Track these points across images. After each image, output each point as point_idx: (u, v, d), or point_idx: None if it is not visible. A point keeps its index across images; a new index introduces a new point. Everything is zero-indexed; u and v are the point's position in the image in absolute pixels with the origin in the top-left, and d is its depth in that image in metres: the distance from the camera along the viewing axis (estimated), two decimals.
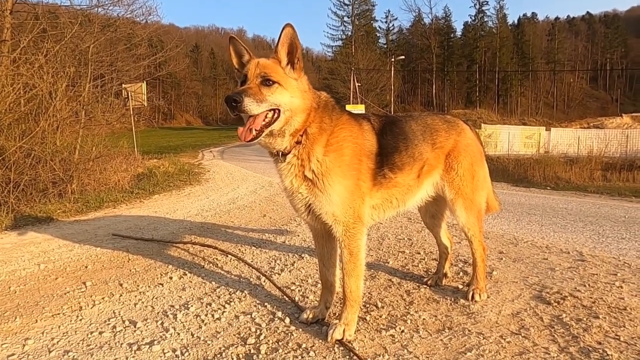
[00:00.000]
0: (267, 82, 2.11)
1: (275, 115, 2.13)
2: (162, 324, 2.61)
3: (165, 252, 4.36)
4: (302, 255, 4.11)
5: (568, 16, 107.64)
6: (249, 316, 2.68)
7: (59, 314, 2.83)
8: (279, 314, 2.70)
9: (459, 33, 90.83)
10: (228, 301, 2.95)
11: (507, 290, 3.01)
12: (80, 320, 2.72)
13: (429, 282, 3.15)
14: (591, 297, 2.83)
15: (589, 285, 3.07)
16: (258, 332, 2.47)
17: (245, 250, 4.38)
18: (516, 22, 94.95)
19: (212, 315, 2.71)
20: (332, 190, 2.23)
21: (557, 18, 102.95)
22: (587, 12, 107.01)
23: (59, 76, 9.93)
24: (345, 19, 79.82)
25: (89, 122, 11.47)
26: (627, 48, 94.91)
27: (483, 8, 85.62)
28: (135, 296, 3.13)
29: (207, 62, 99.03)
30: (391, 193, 2.50)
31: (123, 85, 15.71)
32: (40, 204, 7.72)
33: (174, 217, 6.47)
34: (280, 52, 2.20)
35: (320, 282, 3.06)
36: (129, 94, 16.43)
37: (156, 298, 3.08)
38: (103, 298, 3.10)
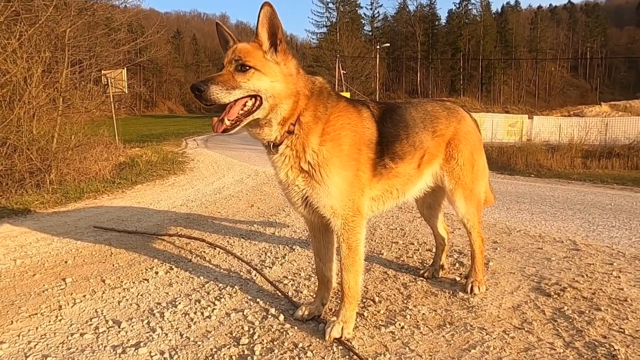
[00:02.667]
0: (242, 67, 1.96)
1: (257, 103, 1.98)
2: (148, 323, 2.46)
3: (150, 245, 4.19)
4: (293, 247, 3.99)
5: (550, 5, 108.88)
6: (241, 313, 2.56)
7: (36, 314, 2.65)
8: (273, 310, 2.58)
9: (443, 21, 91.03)
10: (218, 297, 2.82)
11: (506, 282, 2.94)
12: (60, 320, 2.55)
13: (425, 275, 3.07)
14: (590, 288, 2.78)
15: (586, 275, 3.03)
16: (251, 330, 2.34)
17: (234, 242, 4.23)
18: (500, 10, 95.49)
19: (202, 313, 2.57)
20: (330, 182, 2.11)
21: (539, 7, 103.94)
22: (569, 1, 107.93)
23: (34, 61, 9.49)
24: (330, 5, 79.07)
25: (67, 110, 11.03)
26: (606, 37, 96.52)
27: None
28: (119, 293, 2.96)
29: (190, 48, 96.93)
30: (392, 184, 2.38)
31: (102, 72, 15.18)
32: (17, 195, 7.41)
33: (158, 207, 6.26)
34: (261, 34, 2.03)
35: (315, 276, 2.95)
36: (109, 81, 15.92)
37: (141, 295, 2.92)
38: (84, 296, 2.92)
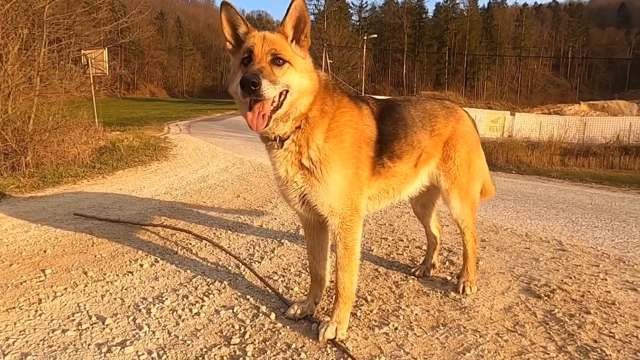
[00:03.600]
0: (278, 60, 1.89)
1: (282, 98, 1.91)
2: (134, 320, 2.38)
3: (134, 236, 4.06)
4: (282, 241, 3.93)
5: (535, 3, 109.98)
6: (231, 311, 2.49)
7: (14, 308, 2.53)
8: (263, 308, 2.53)
9: (430, 14, 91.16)
10: (206, 293, 2.74)
11: (496, 282, 2.96)
12: (40, 315, 2.44)
13: (417, 273, 3.06)
14: (579, 291, 2.82)
15: (574, 277, 3.07)
16: (242, 329, 2.28)
17: (221, 234, 4.14)
18: (486, 6, 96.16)
19: (190, 310, 2.50)
20: (330, 180, 2.05)
21: (525, 4, 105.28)
22: None
23: (10, 38, 9.07)
24: None
25: (45, 90, 10.61)
26: (588, 37, 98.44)
27: None
28: (102, 287, 2.86)
29: (173, 30, 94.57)
30: (388, 183, 2.35)
31: (82, 52, 14.68)
32: None
33: (140, 195, 6.09)
34: (287, 25, 1.97)
35: (305, 272, 2.91)
36: (89, 61, 15.41)
37: (126, 289, 2.82)
38: (65, 289, 2.81)
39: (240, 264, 3.26)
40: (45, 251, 3.59)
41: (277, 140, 2.04)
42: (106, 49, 16.73)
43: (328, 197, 2.08)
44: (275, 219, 4.79)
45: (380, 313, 2.49)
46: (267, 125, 1.87)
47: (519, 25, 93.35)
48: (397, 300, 2.66)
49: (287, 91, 1.91)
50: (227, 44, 2.04)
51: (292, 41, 1.99)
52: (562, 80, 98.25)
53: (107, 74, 17.77)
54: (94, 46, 15.16)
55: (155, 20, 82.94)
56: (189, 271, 3.14)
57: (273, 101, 1.88)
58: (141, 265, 3.24)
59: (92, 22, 15.18)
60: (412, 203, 3.10)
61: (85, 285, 2.87)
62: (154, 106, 48.64)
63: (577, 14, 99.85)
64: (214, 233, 4.17)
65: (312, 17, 75.34)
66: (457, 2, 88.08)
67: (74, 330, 2.26)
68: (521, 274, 3.13)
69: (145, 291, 2.79)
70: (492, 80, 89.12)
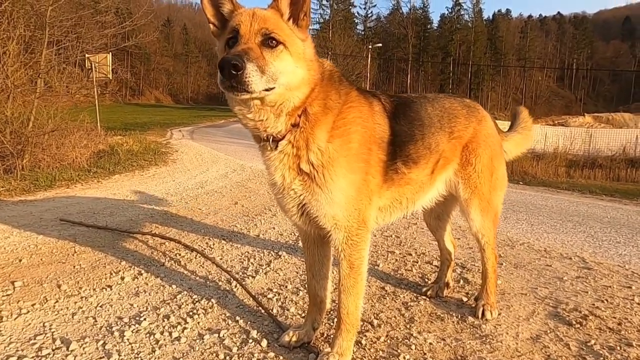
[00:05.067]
0: (270, 41, 1.54)
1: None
2: (103, 345, 2.06)
3: (120, 244, 3.75)
4: (279, 252, 3.61)
5: (540, 15, 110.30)
6: (217, 336, 2.17)
7: None
8: (254, 333, 2.20)
9: (435, 25, 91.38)
10: (191, 313, 2.42)
11: (518, 305, 2.62)
12: None
13: (428, 293, 2.72)
14: (614, 317, 2.48)
15: (606, 301, 2.72)
16: (227, 359, 1.96)
17: (214, 244, 3.83)
18: (491, 17, 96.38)
19: (170, 334, 2.17)
20: (334, 187, 1.72)
21: (530, 16, 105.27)
22: (558, 12, 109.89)
23: (10, 38, 8.89)
24: (324, 2, 78.58)
25: (47, 92, 10.41)
26: (592, 50, 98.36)
27: (460, 1, 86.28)
28: (75, 303, 2.54)
29: (179, 38, 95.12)
30: (402, 192, 2.02)
31: (86, 56, 14.56)
32: None
33: (134, 201, 5.80)
34: (282, 1, 1.63)
35: (304, 290, 2.58)
36: (93, 65, 15.29)
37: (101, 306, 2.50)
38: (33, 305, 2.49)
39: (232, 278, 2.94)
40: (20, 260, 3.28)
41: (270, 140, 1.71)
42: (110, 53, 16.65)
43: (331, 208, 1.75)
44: (274, 228, 4.47)
45: (389, 341, 2.15)
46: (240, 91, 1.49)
47: (523, 36, 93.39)
48: (408, 326, 2.33)
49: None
50: (211, 26, 1.71)
51: (288, 19, 1.65)
52: (566, 92, 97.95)
53: (111, 78, 17.67)
54: (98, 49, 15.05)
55: (162, 27, 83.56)
56: (174, 286, 2.82)
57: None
58: (122, 279, 2.93)
59: (96, 25, 15.08)
60: (424, 214, 2.77)
61: (56, 301, 2.56)
62: (159, 112, 48.62)
63: (582, 27, 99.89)
64: (207, 243, 3.86)
65: (317, 27, 75.86)
66: (462, 13, 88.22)
67: (31, 357, 1.94)
68: (545, 295, 2.79)
69: (122, 309, 2.47)
70: (496, 91, 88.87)
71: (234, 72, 1.42)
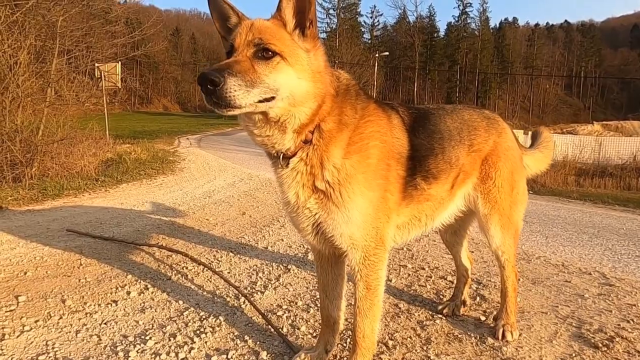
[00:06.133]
0: (264, 52, 1.45)
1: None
2: None
3: (126, 257, 3.69)
4: (289, 266, 3.52)
5: (547, 23, 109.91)
6: (225, 357, 2.07)
7: None
8: (264, 354, 2.11)
9: (442, 33, 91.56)
10: (198, 332, 2.33)
11: (540, 325, 2.50)
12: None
13: (444, 311, 2.61)
14: None
15: (632, 321, 2.59)
16: None
17: (222, 257, 3.75)
18: (498, 25, 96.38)
19: (176, 354, 2.09)
20: (352, 205, 1.64)
21: (537, 24, 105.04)
22: (566, 20, 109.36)
23: (21, 48, 8.97)
24: (331, 11, 79.03)
25: (57, 101, 10.49)
26: (601, 58, 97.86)
27: (466, 10, 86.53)
28: (79, 319, 2.47)
29: (188, 47, 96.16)
30: (421, 209, 1.93)
31: (96, 65, 14.71)
32: None
33: (141, 210, 5.75)
34: (285, 9, 1.52)
35: (315, 307, 2.48)
36: (102, 74, 15.44)
37: (106, 323, 2.43)
38: (36, 321, 2.42)
39: (240, 294, 2.85)
40: (26, 273, 3.22)
41: (281, 157, 1.63)
42: (119, 62, 16.82)
43: (348, 227, 1.66)
44: (282, 239, 4.39)
45: None
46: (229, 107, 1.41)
47: (530, 45, 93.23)
48: (424, 347, 2.22)
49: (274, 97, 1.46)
50: (222, 40, 1.65)
51: (295, 29, 1.55)
52: (574, 100, 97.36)
53: (120, 87, 17.84)
54: (108, 59, 15.20)
55: (171, 37, 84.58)
56: (181, 302, 2.74)
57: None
58: (128, 293, 2.85)
59: (106, 34, 15.24)
60: (440, 230, 2.67)
61: (60, 318, 2.48)
62: (167, 120, 49.01)
63: (590, 35, 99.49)
64: (214, 255, 3.78)
65: (324, 36, 76.32)
66: (468, 21, 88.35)
67: None
68: (567, 314, 2.67)
69: (128, 327, 2.39)
70: (503, 99, 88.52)
71: (210, 87, 1.34)
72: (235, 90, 1.36)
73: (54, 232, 4.48)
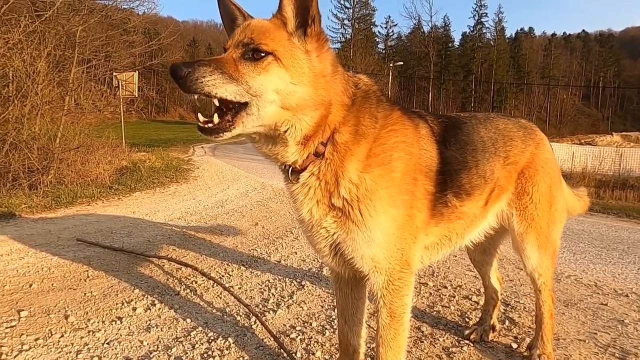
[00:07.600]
0: (254, 53, 1.31)
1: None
2: None
3: (134, 269, 3.56)
4: (302, 282, 3.34)
5: (564, 33, 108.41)
6: None
7: None
8: None
9: (457, 43, 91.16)
10: (205, 355, 2.17)
11: (578, 355, 2.28)
12: None
13: (472, 337, 2.40)
14: None
15: None
16: None
17: (233, 271, 3.59)
18: (513, 35, 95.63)
19: None
20: (373, 224, 1.46)
21: (553, 34, 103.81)
22: (583, 30, 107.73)
23: (40, 57, 9.07)
24: (346, 22, 79.33)
25: (75, 109, 10.61)
26: (620, 68, 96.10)
27: (482, 20, 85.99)
28: (81, 338, 2.33)
29: (204, 57, 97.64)
30: (452, 228, 1.74)
31: (114, 74, 14.92)
32: (5, 197, 6.86)
33: (153, 219, 5.65)
34: (286, 7, 1.38)
35: (330, 326, 2.30)
36: (120, 83, 15.63)
37: (108, 343, 2.28)
38: (37, 340, 2.29)
39: (251, 313, 2.68)
40: (31, 285, 3.11)
41: (290, 171, 1.48)
42: (137, 72, 17.03)
43: (370, 248, 1.49)
44: (296, 253, 4.22)
45: None
46: (218, 133, 1.36)
47: (547, 54, 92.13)
48: None
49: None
50: None
51: (297, 28, 1.40)
52: (592, 110, 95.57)
53: (137, 96, 18.06)
54: (126, 68, 15.42)
55: (188, 47, 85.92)
56: (188, 320, 2.58)
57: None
58: (134, 310, 2.71)
59: (124, 44, 15.46)
60: (468, 248, 2.48)
61: (62, 336, 2.35)
62: (183, 129, 49.53)
63: (608, 44, 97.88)
64: (225, 269, 3.63)
65: (338, 45, 76.60)
66: (483, 31, 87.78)
67: None
68: (608, 342, 2.44)
69: (131, 348, 2.24)
70: (519, 109, 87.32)
71: (177, 79, 1.24)
72: (205, 77, 1.25)
73: (64, 241, 4.39)
